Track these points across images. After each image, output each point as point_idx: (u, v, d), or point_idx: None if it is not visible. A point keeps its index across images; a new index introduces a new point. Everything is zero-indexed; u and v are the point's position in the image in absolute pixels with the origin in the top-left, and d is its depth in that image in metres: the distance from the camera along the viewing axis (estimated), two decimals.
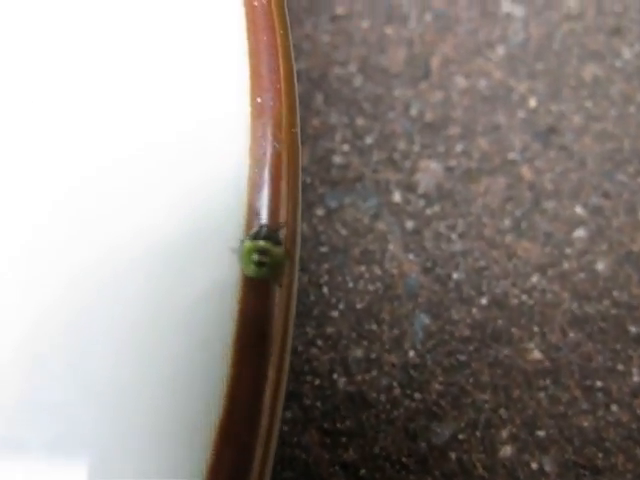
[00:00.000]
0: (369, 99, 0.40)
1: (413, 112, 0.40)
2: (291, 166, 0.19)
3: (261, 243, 0.18)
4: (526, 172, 0.39)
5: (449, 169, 0.38)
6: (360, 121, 0.39)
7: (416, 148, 0.39)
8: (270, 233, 0.18)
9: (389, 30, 0.43)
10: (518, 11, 0.45)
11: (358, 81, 0.40)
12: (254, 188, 0.18)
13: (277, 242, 0.18)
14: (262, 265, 0.18)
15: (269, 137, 0.19)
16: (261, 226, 0.18)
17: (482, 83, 0.41)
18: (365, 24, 0.43)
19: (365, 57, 0.41)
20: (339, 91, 0.40)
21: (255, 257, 0.18)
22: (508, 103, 0.41)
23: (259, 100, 0.19)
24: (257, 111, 0.19)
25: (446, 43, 0.43)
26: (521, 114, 0.41)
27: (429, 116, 0.40)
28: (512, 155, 0.39)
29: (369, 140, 0.39)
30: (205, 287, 0.18)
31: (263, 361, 0.17)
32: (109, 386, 0.16)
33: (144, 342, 0.17)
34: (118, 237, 0.18)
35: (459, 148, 0.39)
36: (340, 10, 0.43)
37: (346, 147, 0.38)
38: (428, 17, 0.43)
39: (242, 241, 0.18)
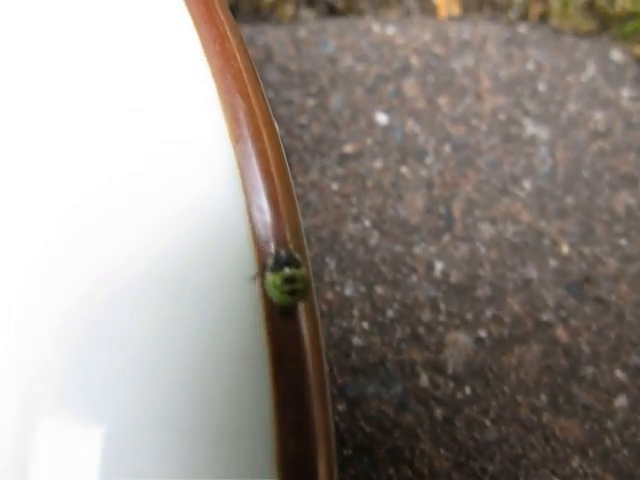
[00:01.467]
0: (387, 261, 0.36)
1: (437, 273, 0.36)
2: (281, 174, 0.19)
3: (287, 271, 0.18)
4: (561, 334, 0.36)
5: (479, 340, 0.35)
6: (379, 290, 0.36)
7: (442, 318, 0.35)
8: (290, 258, 0.18)
9: (405, 169, 0.39)
10: (543, 133, 0.41)
11: (374, 239, 0.37)
12: (253, 216, 0.18)
13: (298, 265, 0.18)
14: (295, 293, 0.18)
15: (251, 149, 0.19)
16: (277, 254, 0.18)
17: (510, 229, 0.38)
18: (378, 163, 0.39)
19: (380, 207, 0.37)
20: (353, 253, 0.36)
21: (286, 287, 0.18)
22: (539, 251, 0.37)
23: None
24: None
25: (468, 181, 0.39)
26: (553, 263, 0.37)
27: (455, 276, 0.36)
28: (546, 316, 0.36)
29: (390, 313, 0.35)
30: (232, 323, 0.18)
31: (304, 378, 0.17)
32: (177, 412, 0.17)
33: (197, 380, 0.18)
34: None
35: (489, 313, 0.35)
36: (349, 148, 0.39)
37: (365, 324, 0.35)
38: (447, 149, 0.39)
39: (260, 275, 0.18)
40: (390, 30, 0.44)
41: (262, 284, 0.18)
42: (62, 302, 0.18)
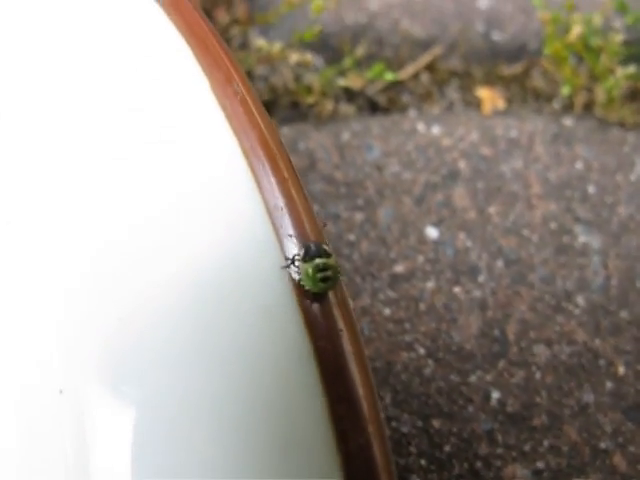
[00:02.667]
0: (443, 392, 0.36)
1: (493, 402, 0.36)
2: (290, 169, 0.21)
3: (318, 261, 0.20)
4: (620, 462, 0.36)
5: (537, 473, 0.35)
6: (436, 423, 0.35)
7: (499, 450, 0.35)
8: (320, 249, 0.20)
9: (458, 289, 0.38)
10: (594, 241, 0.40)
11: (429, 369, 0.36)
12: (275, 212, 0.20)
13: (329, 254, 0.20)
14: (327, 280, 0.20)
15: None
16: (308, 245, 0.20)
17: (565, 350, 0.37)
18: (430, 284, 0.38)
19: (434, 333, 0.37)
20: (408, 385, 0.36)
21: (320, 275, 0.20)
22: (594, 372, 0.37)
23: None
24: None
25: (522, 299, 0.38)
26: (609, 385, 0.37)
27: (511, 405, 0.36)
28: (603, 443, 0.35)
29: (448, 448, 0.35)
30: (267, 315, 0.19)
31: (344, 359, 0.19)
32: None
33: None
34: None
35: (546, 443, 0.35)
36: (400, 268, 0.39)
37: (423, 461, 0.35)
38: (499, 264, 0.39)
39: (293, 264, 0.20)
40: (435, 130, 0.43)
41: (295, 274, 0.20)
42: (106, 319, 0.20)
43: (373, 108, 0.45)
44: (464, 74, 0.47)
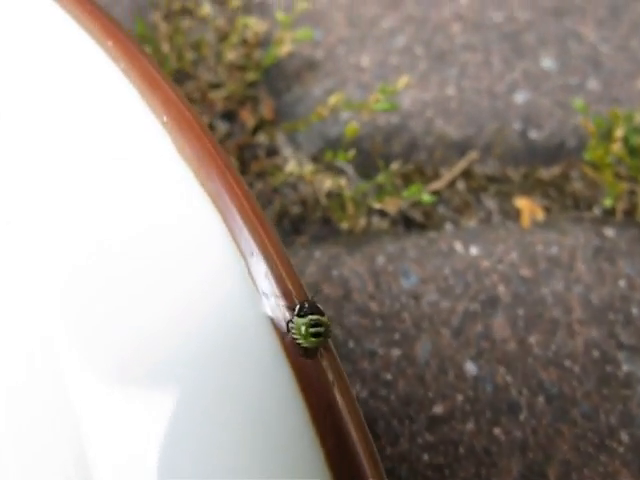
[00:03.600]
0: None
1: None
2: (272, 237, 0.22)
3: (313, 317, 0.21)
4: None
5: None
6: None
7: None
8: (313, 306, 0.21)
9: (498, 430, 0.37)
10: (638, 369, 0.39)
11: None
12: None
13: (321, 312, 0.21)
14: (319, 335, 0.21)
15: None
16: (302, 303, 0.21)
17: None
18: (470, 425, 0.38)
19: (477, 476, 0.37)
20: None
21: (312, 330, 0.21)
22: None
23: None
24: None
25: (564, 439, 0.37)
26: None
27: None
28: None
29: None
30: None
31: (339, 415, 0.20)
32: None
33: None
34: None
35: None
36: (439, 408, 0.38)
37: None
38: (541, 400, 0.38)
39: (290, 320, 0.21)
40: (474, 250, 0.42)
41: (289, 330, 0.21)
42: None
43: (407, 223, 0.44)
44: (501, 179, 0.45)
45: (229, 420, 0.20)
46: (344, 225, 0.41)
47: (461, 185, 0.45)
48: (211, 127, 0.46)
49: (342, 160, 0.40)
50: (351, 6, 0.51)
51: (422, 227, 0.44)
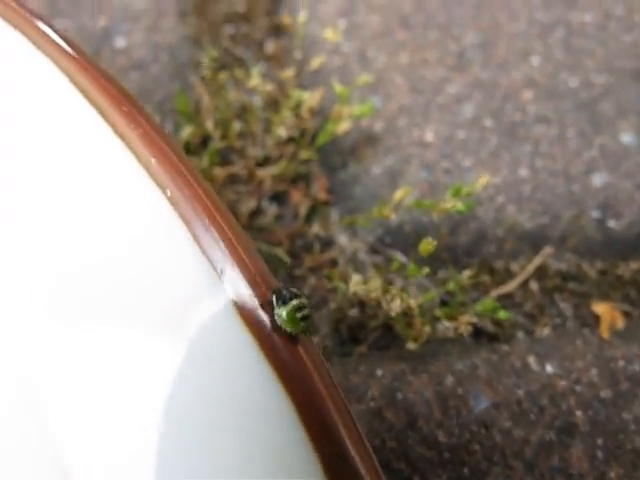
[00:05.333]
0: None
1: None
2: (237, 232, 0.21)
3: (296, 302, 0.20)
4: None
5: None
6: None
7: None
8: (291, 292, 0.21)
9: None
10: None
11: None
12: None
13: (299, 295, 0.21)
14: (307, 318, 0.21)
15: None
16: (280, 289, 0.21)
17: None
18: None
19: None
20: None
21: (299, 314, 0.20)
22: None
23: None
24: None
25: None
26: None
27: None
28: None
29: None
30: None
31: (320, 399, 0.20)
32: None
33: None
34: None
35: None
36: None
37: None
38: None
39: (275, 308, 0.20)
40: (549, 367, 0.38)
41: (273, 319, 0.20)
42: None
43: (477, 331, 0.40)
44: (577, 276, 0.41)
45: (209, 417, 0.20)
46: (410, 345, 0.37)
47: (534, 285, 0.41)
48: (259, 210, 0.42)
49: (415, 273, 0.36)
50: (412, 67, 0.46)
51: (492, 337, 0.40)
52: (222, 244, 0.21)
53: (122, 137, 0.22)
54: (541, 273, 0.42)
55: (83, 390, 0.21)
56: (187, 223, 0.21)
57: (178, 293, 0.21)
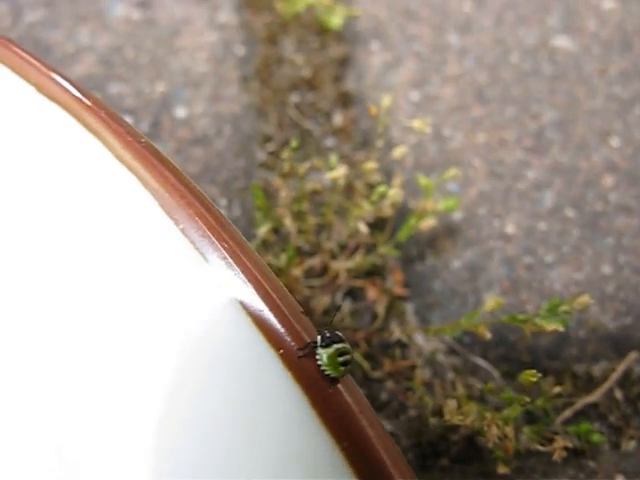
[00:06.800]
0: None
1: None
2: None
3: (337, 346, 0.21)
4: None
5: None
6: None
7: None
8: (334, 334, 0.21)
9: None
10: None
11: None
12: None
13: (342, 340, 0.21)
14: (347, 364, 0.21)
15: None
16: (323, 332, 0.21)
17: None
18: None
19: None
20: None
21: (341, 359, 0.21)
22: None
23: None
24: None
25: None
26: None
27: None
28: None
29: None
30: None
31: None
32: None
33: None
34: None
35: None
36: None
37: None
38: None
39: (318, 352, 0.20)
40: None
41: (317, 361, 0.20)
42: None
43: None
44: None
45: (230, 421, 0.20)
46: (501, 469, 0.36)
47: (618, 393, 0.39)
48: (334, 306, 0.40)
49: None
50: (489, 148, 0.44)
51: (577, 450, 0.38)
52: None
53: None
54: (624, 379, 0.40)
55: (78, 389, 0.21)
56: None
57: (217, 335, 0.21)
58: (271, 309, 0.20)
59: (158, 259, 0.22)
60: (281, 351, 0.20)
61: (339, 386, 0.20)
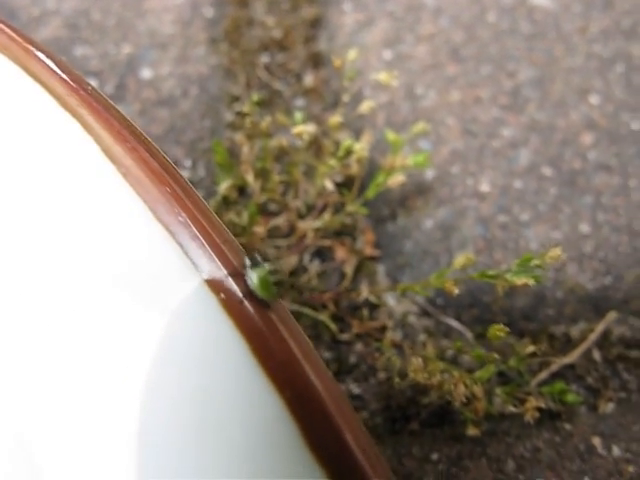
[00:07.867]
0: None
1: None
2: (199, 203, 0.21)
3: (267, 267, 0.20)
4: None
5: None
6: None
7: None
8: (261, 257, 0.20)
9: None
10: None
11: None
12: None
13: (268, 260, 0.20)
14: (279, 284, 0.20)
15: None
16: (251, 255, 0.20)
17: None
18: None
19: None
20: None
21: (272, 278, 0.20)
22: None
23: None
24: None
25: None
26: None
27: None
28: None
29: None
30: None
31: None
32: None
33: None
34: None
35: None
36: None
37: None
38: None
39: (246, 275, 0.20)
40: (616, 450, 0.35)
41: (248, 286, 0.19)
42: None
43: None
44: None
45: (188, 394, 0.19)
46: (471, 431, 0.34)
47: (596, 354, 0.38)
48: (302, 267, 0.39)
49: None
50: (463, 106, 0.43)
51: (553, 413, 0.37)
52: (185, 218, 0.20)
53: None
54: (603, 340, 0.39)
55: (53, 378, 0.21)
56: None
57: (148, 273, 0.20)
58: (200, 236, 0.20)
59: (100, 206, 0.22)
60: (222, 295, 0.19)
61: (278, 326, 0.20)
